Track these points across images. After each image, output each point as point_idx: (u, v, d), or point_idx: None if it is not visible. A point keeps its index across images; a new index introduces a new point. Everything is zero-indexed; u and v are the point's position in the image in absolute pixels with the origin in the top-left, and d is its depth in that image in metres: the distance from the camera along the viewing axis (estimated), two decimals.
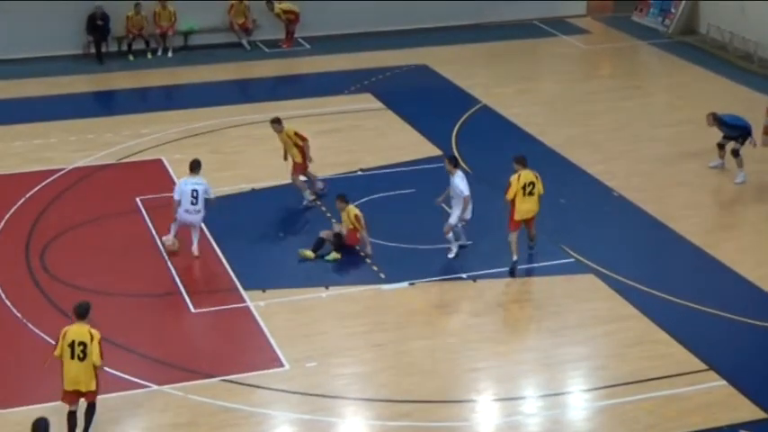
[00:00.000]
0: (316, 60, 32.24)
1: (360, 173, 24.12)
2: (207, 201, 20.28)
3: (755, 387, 16.41)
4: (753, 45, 31.52)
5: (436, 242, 20.75)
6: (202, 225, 20.85)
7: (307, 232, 21.26)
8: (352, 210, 20.45)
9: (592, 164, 24.54)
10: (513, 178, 19.92)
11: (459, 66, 31.51)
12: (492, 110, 28.03)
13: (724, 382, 16.52)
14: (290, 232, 21.48)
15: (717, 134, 24.12)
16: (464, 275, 19.72)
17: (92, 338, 14.93)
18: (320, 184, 22.92)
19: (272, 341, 17.65)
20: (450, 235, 20.29)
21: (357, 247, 20.44)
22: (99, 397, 15.41)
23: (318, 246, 20.33)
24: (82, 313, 15.14)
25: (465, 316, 18.63)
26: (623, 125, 26.98)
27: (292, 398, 16.27)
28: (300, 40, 33.69)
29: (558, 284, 19.62)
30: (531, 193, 19.74)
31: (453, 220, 20.18)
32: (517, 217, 19.88)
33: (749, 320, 18.37)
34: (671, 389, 16.40)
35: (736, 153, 23.45)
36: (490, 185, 23.49)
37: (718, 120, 23.71)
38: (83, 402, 15.17)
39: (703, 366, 16.94)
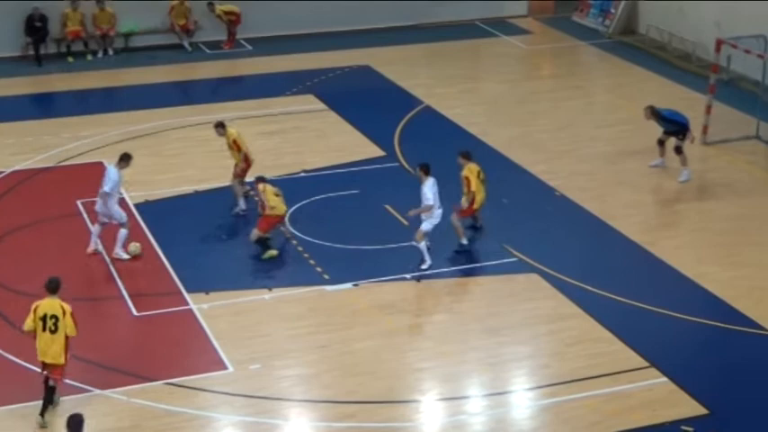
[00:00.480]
0: (258, 61, 32.13)
1: (303, 174, 24.06)
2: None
3: (696, 383, 16.57)
4: (691, 45, 31.85)
5: (380, 243, 20.77)
6: (146, 228, 20.71)
7: (249, 233, 21.15)
8: (269, 189, 20.42)
9: (534, 163, 24.68)
10: (468, 172, 20.52)
11: (401, 66, 31.55)
12: (434, 110, 28.10)
13: (665, 379, 16.67)
14: (233, 234, 21.38)
15: (657, 133, 24.33)
16: (408, 276, 19.74)
17: (64, 312, 15.43)
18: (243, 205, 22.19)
19: (216, 344, 17.56)
20: (423, 244, 20.20)
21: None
22: (39, 402, 15.29)
23: (266, 244, 20.27)
24: (53, 288, 15.62)
25: (409, 316, 18.64)
26: (565, 125, 27.15)
27: (236, 400, 16.20)
28: (242, 41, 33.55)
29: (501, 284, 19.70)
30: (483, 182, 20.56)
31: (425, 226, 20.12)
32: (476, 206, 20.64)
33: (690, 317, 18.55)
34: (613, 386, 16.52)
35: (678, 150, 23.63)
36: None
37: (655, 113, 23.89)
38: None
39: (645, 364, 17.08)
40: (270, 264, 20.13)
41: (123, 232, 20.19)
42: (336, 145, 25.69)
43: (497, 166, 24.64)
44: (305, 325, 18.23)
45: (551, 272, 19.84)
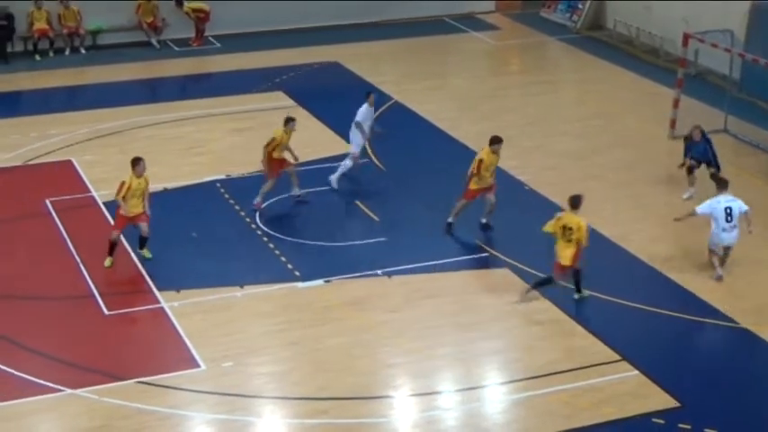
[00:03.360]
0: (226, 59, 32.05)
1: None
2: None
3: (667, 376, 16.66)
4: (658, 40, 32.01)
5: (351, 239, 20.78)
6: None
7: (220, 231, 21.14)
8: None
9: (503, 159, 24.52)
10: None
11: (370, 63, 31.56)
12: (404, 106, 28.12)
13: (636, 372, 16.75)
14: (204, 232, 21.30)
15: (625, 127, 24.43)
16: (379, 272, 19.74)
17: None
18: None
19: (188, 342, 17.51)
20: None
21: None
22: (11, 403, 15.22)
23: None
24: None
25: (381, 312, 18.64)
26: (534, 120, 27.24)
27: (209, 398, 16.15)
28: (210, 38, 33.47)
29: (472, 279, 19.74)
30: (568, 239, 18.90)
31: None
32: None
33: (660, 311, 18.65)
34: (585, 380, 16.59)
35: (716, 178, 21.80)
36: (403, 182, 23.62)
37: (704, 137, 22.81)
38: None
39: (616, 357, 17.16)
40: (240, 261, 20.07)
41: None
42: (306, 142, 25.59)
43: (467, 162, 24.64)
44: (277, 322, 18.21)
45: (522, 266, 19.89)
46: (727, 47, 26.17)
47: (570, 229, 18.47)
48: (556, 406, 15.99)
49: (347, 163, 23.15)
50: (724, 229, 19.60)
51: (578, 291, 18.95)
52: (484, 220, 21.43)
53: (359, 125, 23.01)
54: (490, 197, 21.26)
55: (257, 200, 22.00)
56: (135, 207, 19.78)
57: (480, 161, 20.97)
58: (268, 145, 21.98)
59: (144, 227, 19.97)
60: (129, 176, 19.77)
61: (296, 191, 22.41)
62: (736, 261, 20.27)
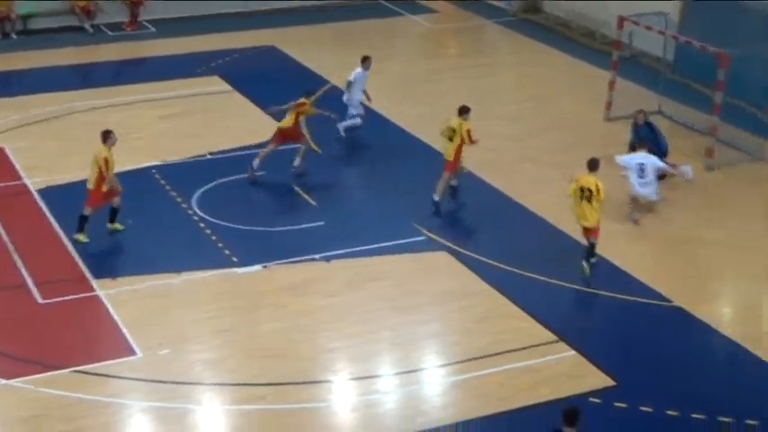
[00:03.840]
0: (161, 43, 31.78)
1: (209, 156, 23.87)
2: None
3: (604, 356, 16.80)
4: (594, 22, 32.20)
5: (288, 224, 20.72)
6: (49, 214, 20.45)
7: (157, 218, 20.97)
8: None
9: (441, 141, 24.72)
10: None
11: (307, 46, 31.44)
12: (341, 90, 27.99)
13: (573, 353, 16.87)
14: (140, 218, 21.10)
15: (560, 110, 24.53)
16: (317, 256, 19.70)
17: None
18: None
19: (124, 330, 17.35)
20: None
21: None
22: None
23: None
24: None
25: (319, 297, 18.60)
26: (472, 103, 27.10)
27: (146, 386, 16.04)
28: (145, 22, 33.16)
29: (410, 262, 19.76)
30: (588, 199, 19.43)
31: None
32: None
33: (597, 291, 18.80)
34: (522, 361, 16.68)
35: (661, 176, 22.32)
36: (341, 166, 23.60)
37: (647, 122, 23.03)
38: None
39: (553, 338, 17.27)
40: (178, 248, 19.93)
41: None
42: (242, 126, 25.52)
43: (405, 145, 24.74)
44: (214, 308, 18.11)
45: (460, 249, 19.95)
46: (661, 29, 26.36)
47: (589, 190, 19.02)
48: (493, 388, 16.07)
49: (357, 121, 24.74)
50: (639, 184, 20.90)
51: (592, 256, 19.35)
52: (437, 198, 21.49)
53: (350, 84, 24.54)
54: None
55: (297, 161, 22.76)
56: (113, 181, 19.79)
57: (469, 130, 21.23)
58: (298, 106, 22.69)
59: (117, 199, 19.93)
60: (103, 151, 19.61)
61: (297, 161, 22.88)
62: (670, 240, 20.49)
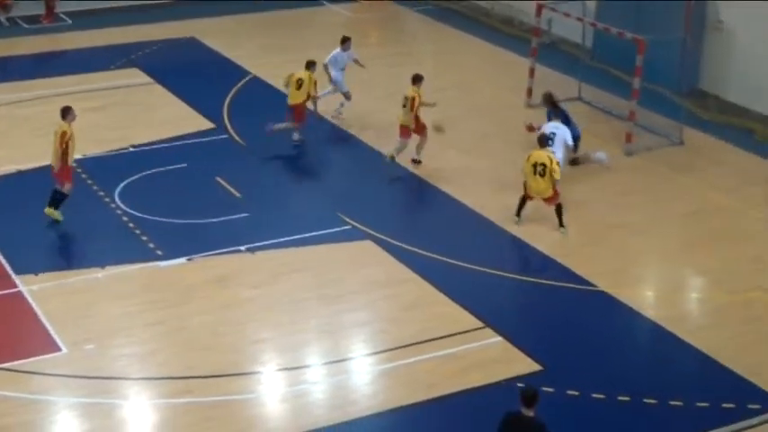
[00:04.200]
0: (79, 35, 31.40)
1: (131, 149, 23.67)
2: None
3: (530, 341, 16.96)
4: (514, 10, 32.43)
5: (212, 216, 20.62)
6: None
7: (78, 212, 20.73)
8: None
9: (363, 130, 24.81)
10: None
11: (227, 37, 31.28)
12: (262, 81, 27.96)
13: (500, 338, 17.01)
14: (63, 213, 20.85)
15: (482, 99, 24.68)
16: (242, 248, 19.63)
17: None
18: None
19: (48, 326, 17.15)
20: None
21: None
22: None
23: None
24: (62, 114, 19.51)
25: (245, 288, 18.55)
26: (392, 92, 27.23)
27: (72, 382, 15.88)
28: (61, 15, 32.74)
29: (335, 252, 19.78)
30: (542, 174, 20.24)
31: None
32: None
33: (522, 277, 18.98)
34: (449, 348, 16.78)
35: (574, 162, 23.02)
36: (263, 157, 23.53)
37: (555, 105, 23.13)
38: None
39: (479, 324, 17.39)
40: (101, 242, 19.73)
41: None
42: (164, 118, 25.34)
43: (327, 135, 24.73)
44: (139, 302, 17.98)
45: (385, 237, 20.01)
46: (579, 16, 26.63)
47: (543, 165, 19.88)
48: (422, 375, 16.16)
49: (346, 102, 25.35)
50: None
51: (561, 225, 20.22)
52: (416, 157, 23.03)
53: (326, 66, 25.10)
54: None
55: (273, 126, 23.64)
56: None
57: (413, 99, 22.58)
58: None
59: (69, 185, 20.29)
60: (65, 127, 19.70)
61: (296, 135, 23.85)
62: (591, 225, 20.73)
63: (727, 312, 17.94)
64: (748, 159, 23.89)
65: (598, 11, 28.59)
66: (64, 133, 19.72)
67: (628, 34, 24.25)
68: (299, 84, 23.71)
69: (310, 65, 23.96)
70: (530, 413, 12.30)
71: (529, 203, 20.57)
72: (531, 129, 22.51)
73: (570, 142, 21.75)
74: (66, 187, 20.05)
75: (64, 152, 19.75)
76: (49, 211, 20.08)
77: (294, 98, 23.69)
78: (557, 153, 20.92)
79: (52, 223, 20.24)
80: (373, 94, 27.25)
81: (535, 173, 20.08)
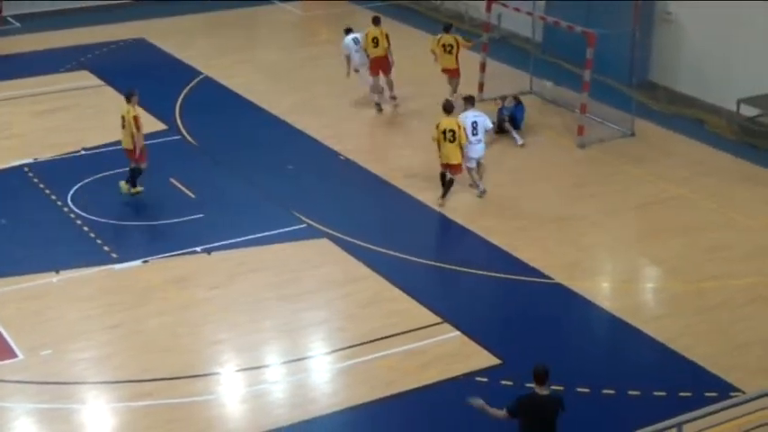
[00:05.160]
0: (27, 39, 31.13)
1: (83, 152, 23.51)
2: None
3: (488, 335, 17.02)
4: (463, 5, 32.51)
5: (167, 217, 20.54)
6: None
7: (31, 216, 20.57)
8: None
9: (317, 129, 24.79)
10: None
11: (177, 38, 31.14)
12: (214, 80, 27.87)
13: (458, 333, 17.07)
14: (14, 217, 20.71)
15: (436, 91, 24.72)
16: (198, 249, 19.56)
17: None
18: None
19: (3, 332, 17.00)
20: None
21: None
22: None
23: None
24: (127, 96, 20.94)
25: (202, 289, 18.48)
26: (345, 90, 27.31)
27: (29, 388, 15.76)
28: (9, 18, 32.44)
29: (292, 250, 19.76)
30: (451, 141, 21.07)
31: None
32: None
33: (477, 271, 19.02)
34: (408, 344, 16.81)
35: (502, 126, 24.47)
36: (217, 157, 23.45)
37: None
38: None
39: (437, 320, 17.44)
40: (55, 246, 19.59)
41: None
42: (116, 121, 25.07)
43: (281, 134, 24.69)
44: (96, 306, 17.87)
45: (341, 235, 20.01)
46: (529, 11, 26.75)
47: (452, 131, 20.80)
48: (381, 371, 16.18)
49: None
50: (470, 142, 21.34)
51: (444, 196, 21.25)
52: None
53: (348, 57, 26.03)
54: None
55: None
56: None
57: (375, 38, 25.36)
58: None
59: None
60: (132, 111, 20.93)
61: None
62: (545, 218, 20.84)
63: (682, 302, 18.10)
64: (699, 149, 24.11)
65: (548, 5, 28.71)
66: (136, 117, 20.90)
67: (577, 28, 24.39)
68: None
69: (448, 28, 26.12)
70: (544, 391, 12.44)
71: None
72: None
73: (491, 126, 22.31)
74: (144, 165, 21.18)
75: (133, 135, 20.91)
76: (125, 187, 21.17)
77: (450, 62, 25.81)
78: (480, 143, 21.56)
79: (4, 228, 20.07)
80: (324, 92, 27.22)
81: (445, 139, 20.83)
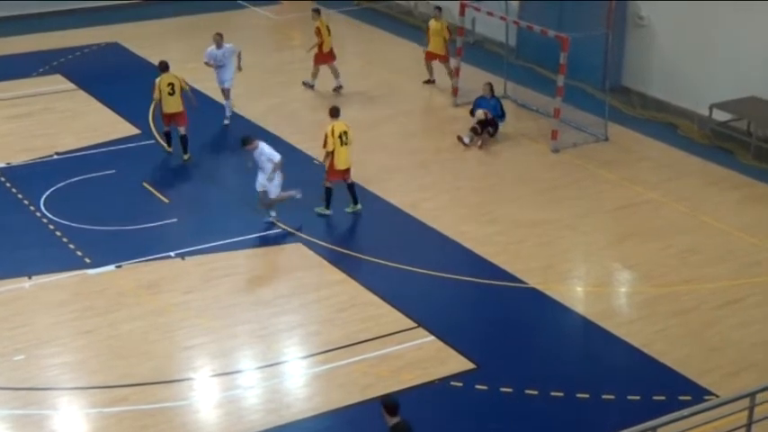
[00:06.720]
0: None
1: (56, 156, 23.40)
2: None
3: (462, 339, 17.04)
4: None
5: (141, 222, 20.47)
6: None
7: (2, 221, 20.45)
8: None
9: (291, 133, 24.77)
10: (328, 130, 20.81)
11: (150, 42, 31.05)
12: (188, 85, 27.72)
13: (433, 338, 17.08)
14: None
15: (410, 95, 24.73)
16: (172, 254, 19.50)
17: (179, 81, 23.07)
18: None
19: None
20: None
21: None
22: None
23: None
24: (164, 68, 23.15)
25: (176, 294, 18.42)
26: (320, 93, 27.33)
27: (2, 394, 15.66)
28: None
29: (266, 255, 19.73)
30: (346, 143, 20.86)
31: (274, 190, 20.46)
32: (338, 166, 20.89)
33: (453, 276, 19.04)
34: (383, 349, 16.81)
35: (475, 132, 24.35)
36: (191, 162, 23.39)
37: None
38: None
39: (412, 324, 17.44)
40: (27, 251, 19.49)
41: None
42: (89, 125, 25.10)
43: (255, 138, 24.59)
44: (69, 311, 17.78)
45: (315, 240, 19.99)
46: (502, 15, 26.82)
47: (344, 132, 20.75)
48: (356, 376, 16.17)
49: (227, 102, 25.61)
50: (263, 178, 20.52)
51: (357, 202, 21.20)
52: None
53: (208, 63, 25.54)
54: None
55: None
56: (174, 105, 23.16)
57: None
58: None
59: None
60: (172, 77, 23.19)
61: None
62: (519, 223, 20.88)
63: (656, 306, 18.17)
64: (672, 154, 24.21)
65: (521, 10, 28.82)
66: (183, 80, 23.18)
67: (551, 32, 24.47)
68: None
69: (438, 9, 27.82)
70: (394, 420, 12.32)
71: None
72: (460, 140, 23.89)
73: (276, 159, 20.60)
74: (185, 128, 23.03)
75: (182, 96, 23.00)
76: (187, 156, 23.11)
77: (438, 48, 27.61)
78: (275, 179, 20.47)
79: None
80: (298, 96, 27.20)
81: (342, 143, 20.72)
